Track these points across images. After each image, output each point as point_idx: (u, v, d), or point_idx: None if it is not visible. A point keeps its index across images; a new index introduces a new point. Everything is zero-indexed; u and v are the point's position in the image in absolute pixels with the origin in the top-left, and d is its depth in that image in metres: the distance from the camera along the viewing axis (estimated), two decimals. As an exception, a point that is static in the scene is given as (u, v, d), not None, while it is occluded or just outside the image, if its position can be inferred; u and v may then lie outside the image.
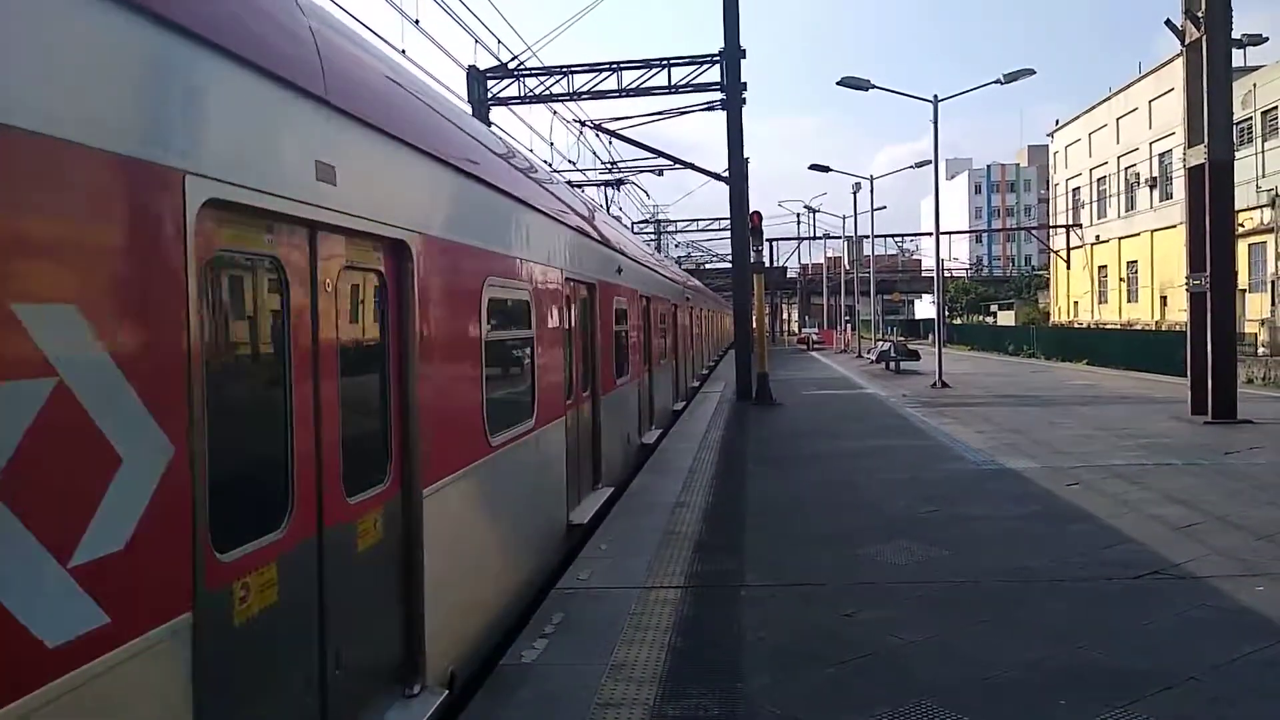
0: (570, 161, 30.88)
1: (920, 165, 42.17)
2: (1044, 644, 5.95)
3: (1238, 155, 18.41)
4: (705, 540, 8.88)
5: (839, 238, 67.59)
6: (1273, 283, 41.68)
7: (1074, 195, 64.52)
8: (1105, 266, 58.95)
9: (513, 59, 22.65)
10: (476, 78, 24.48)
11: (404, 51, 12.10)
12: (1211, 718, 4.95)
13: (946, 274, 54.72)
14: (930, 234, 35.49)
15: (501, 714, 5.06)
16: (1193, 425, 16.71)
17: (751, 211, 23.71)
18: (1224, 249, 17.08)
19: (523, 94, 25.08)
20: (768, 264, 26.00)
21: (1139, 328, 45.87)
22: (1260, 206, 42.16)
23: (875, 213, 48.96)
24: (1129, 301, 55.25)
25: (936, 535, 8.85)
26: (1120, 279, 56.42)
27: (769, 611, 6.78)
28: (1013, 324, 65.34)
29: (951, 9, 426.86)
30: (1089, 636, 6.08)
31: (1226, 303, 17.22)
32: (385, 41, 7.85)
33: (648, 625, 6.46)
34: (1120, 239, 56.18)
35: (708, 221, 68.92)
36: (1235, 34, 17.31)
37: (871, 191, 48.33)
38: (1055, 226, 67.21)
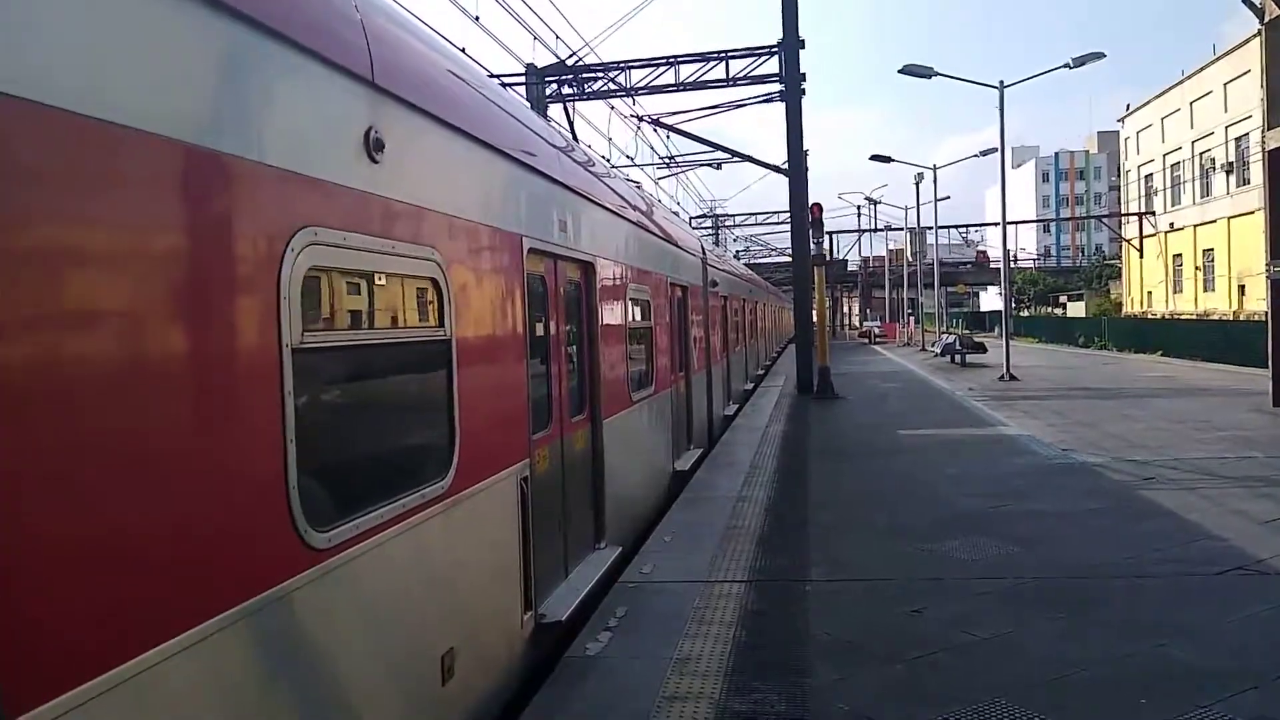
0: (628, 157, 30.95)
1: (985, 154, 41.29)
2: (1122, 642, 5.77)
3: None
4: (768, 535, 8.81)
5: (901, 229, 66.68)
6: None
7: (1146, 182, 62.69)
8: (1180, 255, 57.18)
9: (570, 55, 22.71)
10: (535, 75, 24.61)
11: (464, 49, 12.22)
12: (1302, 719, 4.75)
13: (1013, 264, 53.54)
14: (996, 224, 34.79)
15: (568, 707, 5.07)
16: (1274, 417, 16.12)
17: (811, 204, 23.48)
18: (1308, 234, 16.43)
19: (582, 91, 25.15)
20: (828, 257, 25.69)
21: (1216, 318, 44.41)
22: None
23: (938, 203, 48.13)
24: (1205, 291, 53.51)
25: (1007, 530, 8.65)
26: (1196, 268, 54.66)
27: (835, 607, 6.69)
28: (1083, 315, 63.76)
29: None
30: (1169, 634, 5.88)
31: (1311, 290, 16.56)
32: (448, 40, 7.65)
33: (711, 619, 6.41)
34: (1195, 226, 54.44)
35: (766, 215, 68.64)
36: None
37: (935, 181, 47.48)
38: (1127, 214, 65.38)
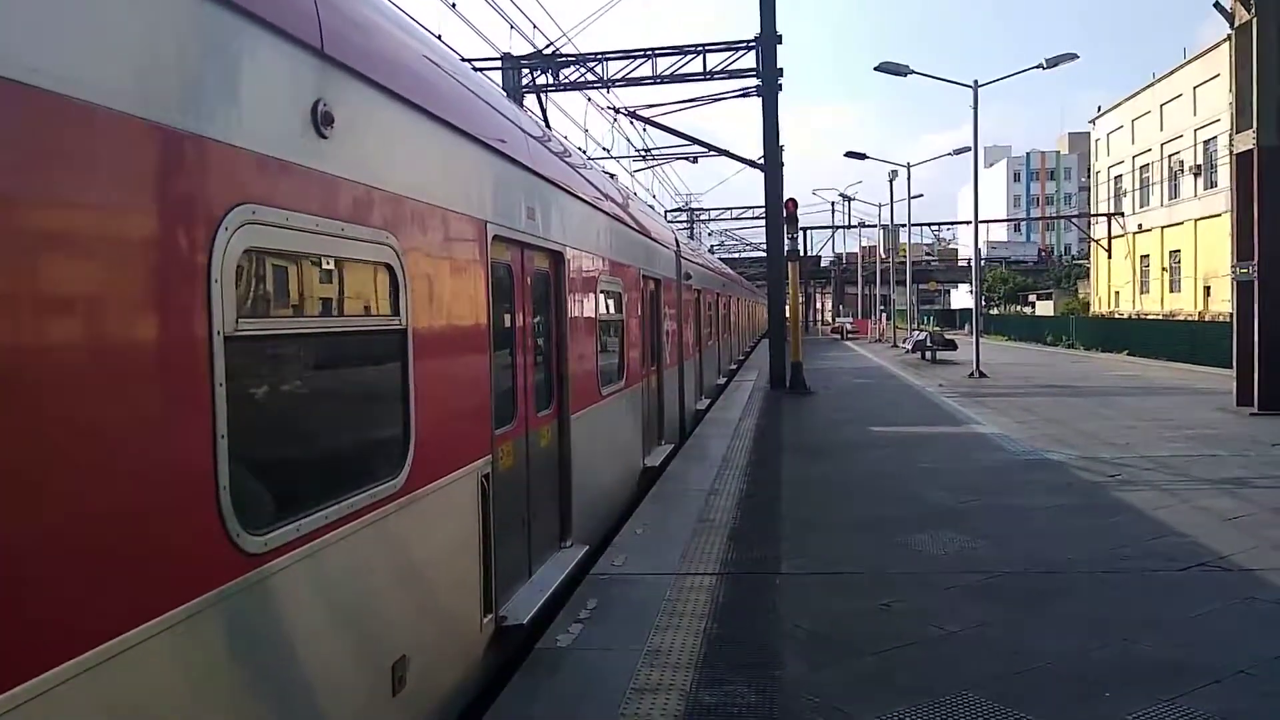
0: (605, 149, 30.86)
1: (959, 152, 41.65)
2: (1088, 636, 5.84)
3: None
4: (740, 527, 8.82)
5: (874, 226, 67.07)
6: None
7: (1116, 183, 63.40)
8: (1147, 256, 57.85)
9: (548, 45, 22.59)
10: (512, 65, 24.47)
11: (440, 36, 12.11)
12: (1262, 712, 4.83)
13: (984, 262, 53.98)
14: (968, 222, 35.06)
15: (538, 698, 5.05)
16: (1238, 416, 16.38)
17: (786, 199, 23.54)
18: (1273, 237, 16.65)
19: (558, 81, 25.03)
20: (802, 253, 25.75)
21: (1182, 318, 45.03)
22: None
23: (912, 201, 48.43)
24: (1172, 291, 54.19)
25: (976, 525, 8.72)
26: (1163, 268, 55.33)
27: (805, 600, 6.72)
28: (1051, 314, 64.42)
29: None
30: (1135, 628, 5.96)
31: (1274, 292, 16.79)
32: (424, 27, 7.48)
33: (683, 611, 6.42)
34: (1163, 228, 55.09)
35: (741, 210, 68.73)
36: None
37: (909, 179, 47.78)
38: (1096, 215, 66.09)
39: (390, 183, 4.24)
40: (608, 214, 9.65)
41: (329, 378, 4.10)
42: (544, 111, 18.17)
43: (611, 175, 13.68)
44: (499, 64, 23.35)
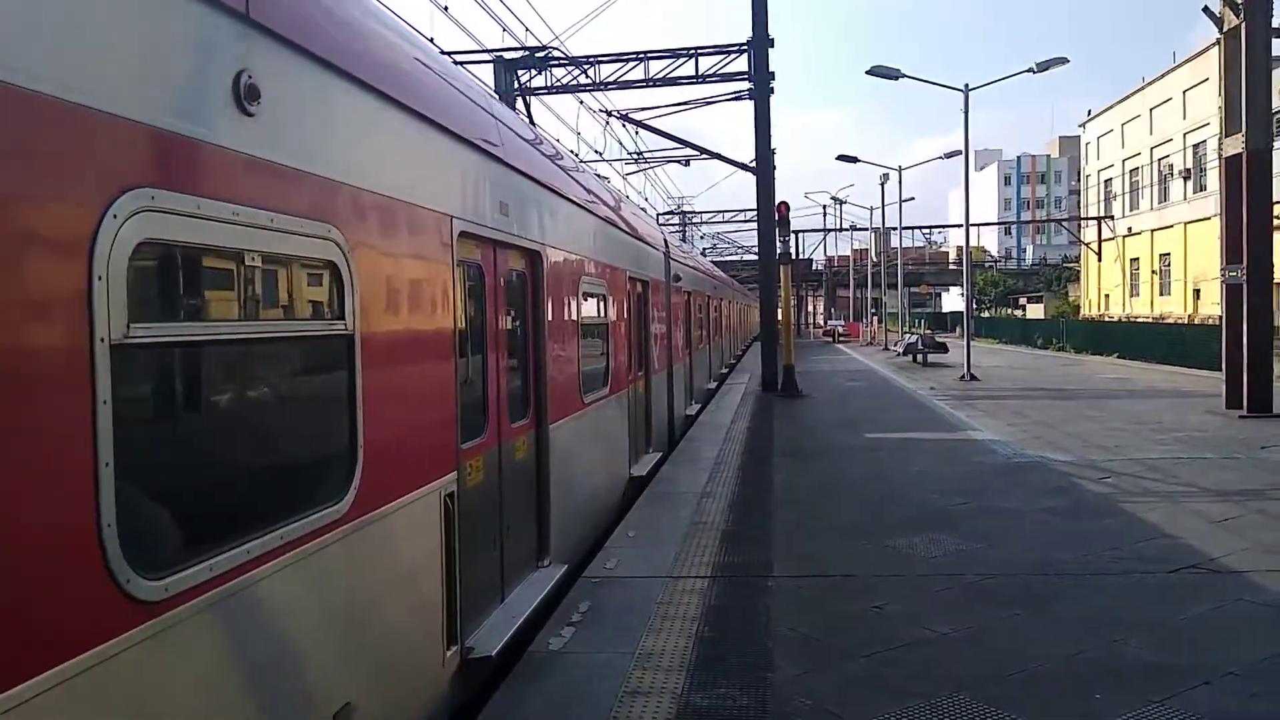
0: (597, 152, 30.91)
1: (949, 156, 41.71)
2: (1079, 637, 5.85)
3: (1276, 145, 18.03)
4: (732, 531, 8.83)
5: (866, 229, 67.18)
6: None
7: (1106, 187, 63.70)
8: (1137, 259, 58.15)
9: (540, 48, 22.59)
10: (504, 67, 24.46)
11: (432, 39, 12.12)
12: (1250, 713, 4.84)
13: (975, 264, 54.14)
14: (959, 225, 35.16)
15: (529, 701, 5.04)
16: (1228, 419, 16.44)
17: (778, 202, 23.57)
18: (1261, 240, 16.75)
19: (550, 84, 25.04)
20: (794, 255, 25.79)
21: (1172, 321, 45.24)
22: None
23: (903, 204, 48.57)
24: (1161, 295, 54.49)
25: (968, 528, 8.74)
26: (1153, 271, 55.63)
27: (798, 603, 6.72)
28: (1042, 317, 64.64)
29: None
30: (1125, 630, 5.97)
31: (1263, 295, 16.88)
32: (415, 29, 7.29)
33: (675, 615, 6.42)
34: (1153, 231, 55.40)
35: (733, 213, 68.81)
36: (1276, 20, 16.96)
37: (900, 182, 47.86)
38: (1086, 218, 66.37)
39: (334, 169, 3.76)
40: (591, 212, 9.22)
41: (252, 391, 3.53)
42: (528, 110, 18.05)
43: (604, 179, 13.53)
44: (484, 58, 23.18)
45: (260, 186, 3.24)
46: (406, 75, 4.76)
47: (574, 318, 8.14)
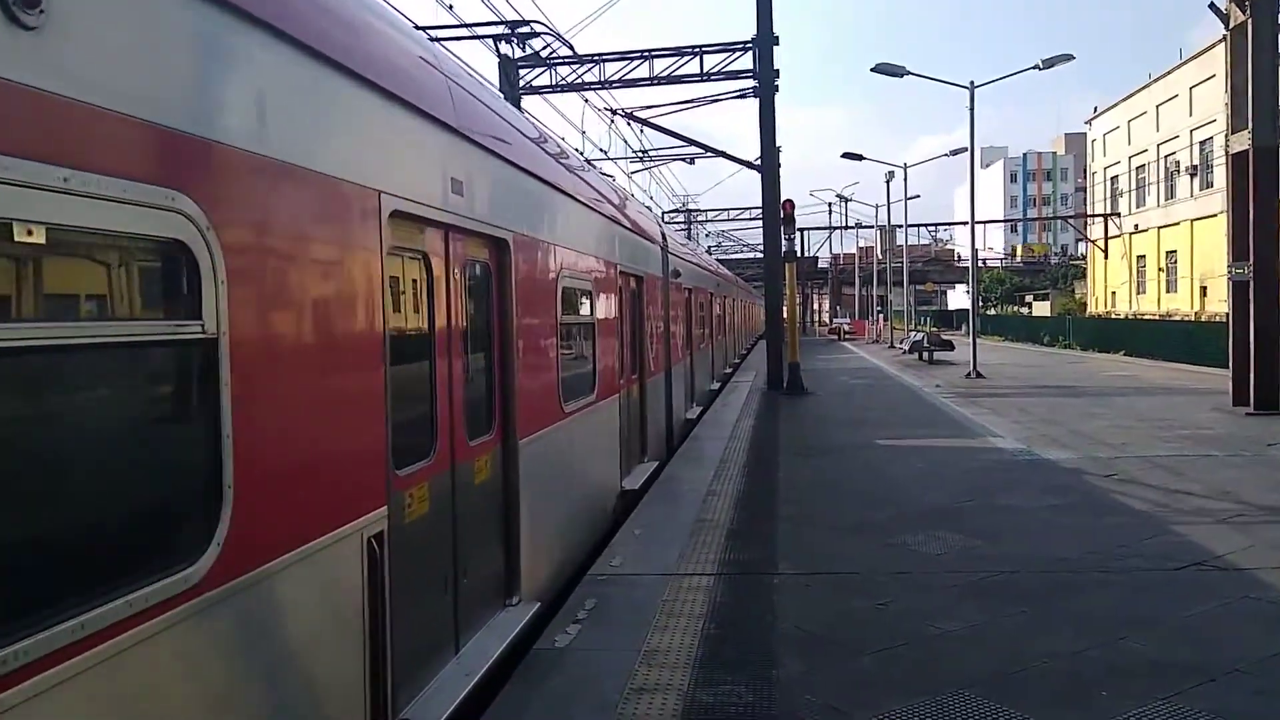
0: (602, 150, 30.91)
1: (955, 153, 41.66)
2: (1084, 635, 5.86)
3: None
4: (737, 528, 8.84)
5: (871, 227, 67.12)
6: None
7: (1112, 184, 63.52)
8: (1144, 256, 57.97)
9: (545, 46, 22.61)
10: (509, 65, 24.49)
11: (439, 39, 12.15)
12: (1255, 710, 4.85)
13: (981, 263, 54.05)
14: (965, 223, 35.11)
15: (535, 699, 5.06)
16: (1234, 416, 16.41)
17: (783, 200, 23.57)
18: (1268, 237, 16.71)
19: (555, 82, 25.06)
20: (799, 253, 25.76)
21: (1178, 318, 45.12)
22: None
23: (909, 202, 48.51)
24: (1168, 292, 54.31)
25: (973, 525, 8.74)
26: (1159, 269, 55.45)
27: (802, 600, 6.73)
28: (1048, 315, 64.51)
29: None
30: (1130, 628, 5.98)
31: (1270, 292, 16.85)
32: (417, 26, 7.14)
33: (680, 612, 6.43)
34: (1159, 228, 55.21)
35: (738, 211, 68.81)
36: (1282, 16, 16.92)
37: (905, 180, 47.87)
38: (1093, 216, 66.20)
39: (178, 116, 2.82)
40: (573, 198, 8.19)
41: (47, 420, 2.54)
42: (510, 88, 16.96)
43: (595, 165, 12.83)
44: (466, 34, 22.65)
45: (44, 131, 2.34)
46: (309, 4, 3.81)
47: (553, 317, 7.20)
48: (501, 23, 19.62)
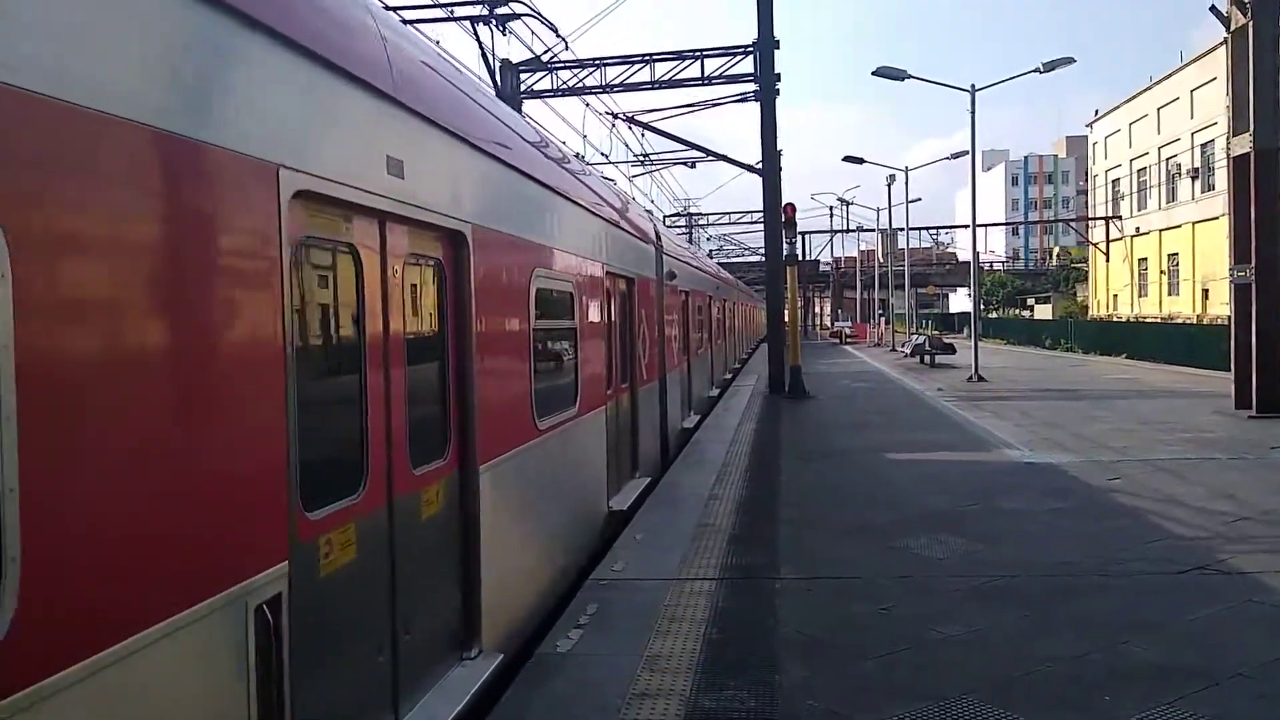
0: (603, 154, 30.94)
1: (956, 156, 41.70)
2: (1086, 639, 5.85)
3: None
4: (739, 533, 8.83)
5: (873, 230, 67.11)
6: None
7: (1113, 187, 63.52)
8: (1145, 259, 57.95)
9: (545, 51, 22.62)
10: (510, 70, 24.51)
11: (438, 42, 12.13)
12: (1258, 715, 4.85)
13: (983, 266, 54.04)
14: (966, 226, 35.10)
15: (537, 703, 5.06)
16: (1236, 420, 16.39)
17: (785, 204, 23.59)
18: (1269, 239, 16.70)
19: (555, 87, 25.09)
20: (800, 257, 25.75)
21: (1180, 321, 45.10)
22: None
23: (910, 205, 48.52)
24: (1170, 295, 54.29)
25: (975, 529, 8.74)
26: (1161, 272, 55.43)
27: (805, 604, 6.73)
28: (1050, 318, 64.49)
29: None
30: (1132, 632, 5.97)
31: (1271, 295, 16.82)
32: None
33: (682, 617, 6.43)
34: (1161, 231, 55.20)
35: (740, 214, 68.80)
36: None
37: (906, 183, 47.88)
38: (1094, 218, 66.19)
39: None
40: (550, 188, 7.35)
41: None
42: (491, 73, 16.21)
43: (579, 155, 12.11)
44: (443, 15, 21.82)
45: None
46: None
47: (525, 321, 6.40)
48: (479, 2, 17.43)
